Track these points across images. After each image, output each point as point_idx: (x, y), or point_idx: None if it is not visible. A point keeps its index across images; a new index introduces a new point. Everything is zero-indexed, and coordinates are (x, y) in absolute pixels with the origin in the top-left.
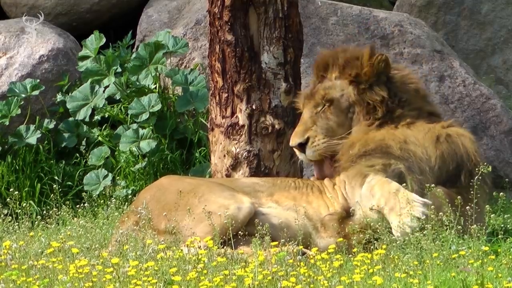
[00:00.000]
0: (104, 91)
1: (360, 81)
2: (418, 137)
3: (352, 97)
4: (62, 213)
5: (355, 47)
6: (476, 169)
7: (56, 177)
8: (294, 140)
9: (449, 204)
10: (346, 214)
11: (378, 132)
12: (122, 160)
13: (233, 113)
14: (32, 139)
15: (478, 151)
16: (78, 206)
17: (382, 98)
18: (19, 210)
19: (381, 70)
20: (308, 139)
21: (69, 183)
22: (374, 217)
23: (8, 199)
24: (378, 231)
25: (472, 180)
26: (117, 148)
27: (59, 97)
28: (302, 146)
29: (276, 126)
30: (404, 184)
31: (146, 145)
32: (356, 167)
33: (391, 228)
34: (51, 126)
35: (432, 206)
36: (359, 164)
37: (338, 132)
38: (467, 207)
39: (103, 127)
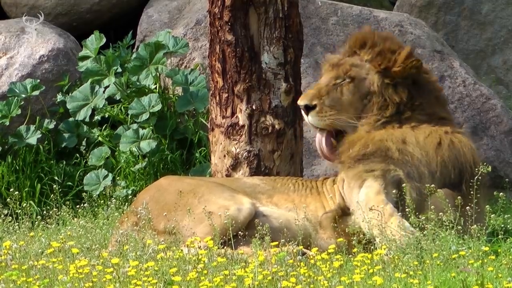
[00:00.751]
0: (104, 91)
1: (387, 75)
2: (419, 139)
3: (374, 86)
4: (62, 213)
5: (397, 38)
6: (475, 178)
7: (56, 177)
8: (302, 100)
9: (449, 205)
10: (343, 213)
11: (378, 132)
12: (122, 160)
13: (233, 113)
14: (32, 139)
15: (479, 162)
16: (78, 206)
17: (400, 100)
18: (19, 210)
19: (410, 74)
20: (315, 106)
21: (69, 183)
22: (365, 230)
23: (8, 199)
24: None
25: (472, 189)
26: (117, 148)
27: (59, 97)
28: (307, 109)
29: (276, 126)
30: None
31: (146, 145)
32: (355, 170)
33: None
34: (51, 126)
35: (432, 206)
36: (358, 167)
37: (348, 111)
38: (467, 208)
39: (103, 127)
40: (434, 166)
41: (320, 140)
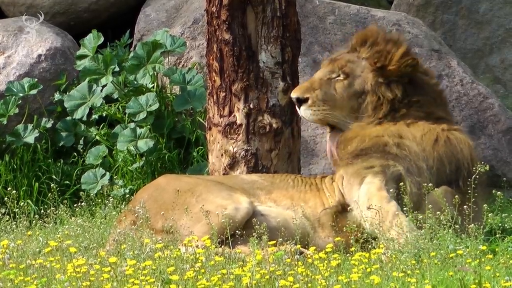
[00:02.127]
0: (101, 90)
1: (382, 73)
2: (416, 135)
3: (367, 85)
4: (59, 212)
5: (400, 38)
6: (472, 175)
7: (53, 176)
8: (295, 93)
9: (447, 204)
10: (342, 209)
11: (374, 128)
12: (120, 159)
13: (230, 112)
14: (30, 138)
15: (476, 158)
16: (75, 205)
17: (393, 96)
18: (17, 209)
19: (406, 73)
20: (307, 99)
21: (67, 182)
22: (366, 227)
23: (5, 198)
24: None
25: (469, 186)
26: (115, 147)
27: (57, 96)
28: (299, 102)
29: (274, 125)
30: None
31: (144, 144)
32: (354, 166)
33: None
34: (49, 125)
35: (430, 206)
36: (356, 164)
37: (342, 109)
38: (465, 206)
39: (101, 126)
40: (431, 162)
41: (331, 145)
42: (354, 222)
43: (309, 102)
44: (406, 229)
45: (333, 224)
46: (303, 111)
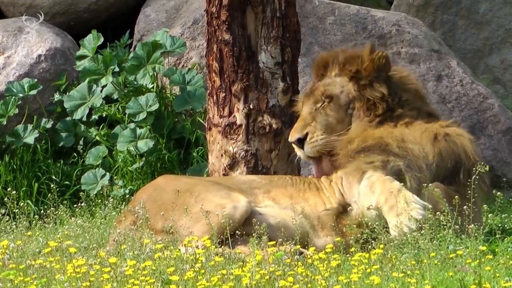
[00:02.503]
0: (101, 91)
1: (360, 77)
2: (416, 136)
3: (352, 93)
4: (59, 212)
5: (355, 48)
6: (474, 168)
7: (53, 177)
8: (293, 136)
9: (447, 204)
10: (343, 210)
11: (377, 129)
12: (120, 160)
13: (230, 113)
14: (29, 139)
15: (476, 150)
16: (75, 205)
17: (382, 95)
18: (17, 210)
19: (381, 67)
20: (307, 134)
21: (67, 182)
22: (371, 215)
23: (5, 199)
24: (375, 230)
25: (470, 180)
26: (115, 148)
27: (56, 96)
28: (301, 142)
29: (274, 126)
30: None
31: (144, 144)
32: (355, 163)
33: (388, 227)
34: (49, 125)
35: (430, 206)
36: (357, 160)
37: (338, 129)
38: (465, 207)
39: (101, 126)
40: (431, 158)
41: (319, 166)
42: (355, 222)
43: (308, 137)
44: (412, 200)
45: (333, 225)
46: (306, 149)
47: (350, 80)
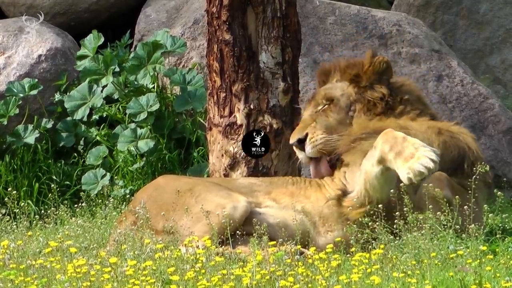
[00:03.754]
0: (102, 91)
1: (360, 80)
2: (421, 129)
3: (352, 96)
4: (60, 212)
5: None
6: (478, 163)
7: (54, 177)
8: (293, 137)
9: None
10: (343, 194)
11: (378, 122)
12: (120, 160)
13: (231, 113)
14: (30, 139)
15: (479, 147)
16: (76, 205)
17: (382, 95)
18: (17, 210)
19: (382, 71)
20: (307, 135)
21: (67, 182)
22: (374, 171)
23: (6, 199)
24: (376, 230)
25: (474, 170)
26: (115, 148)
27: (57, 96)
28: (301, 143)
29: (274, 126)
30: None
31: (144, 144)
32: (357, 148)
33: (387, 227)
34: (49, 125)
35: (430, 206)
36: (359, 145)
37: (338, 130)
38: (465, 207)
39: (101, 126)
40: (435, 147)
41: (317, 168)
42: (356, 202)
43: (308, 137)
44: (420, 144)
45: (335, 214)
46: (307, 150)
47: (350, 83)
